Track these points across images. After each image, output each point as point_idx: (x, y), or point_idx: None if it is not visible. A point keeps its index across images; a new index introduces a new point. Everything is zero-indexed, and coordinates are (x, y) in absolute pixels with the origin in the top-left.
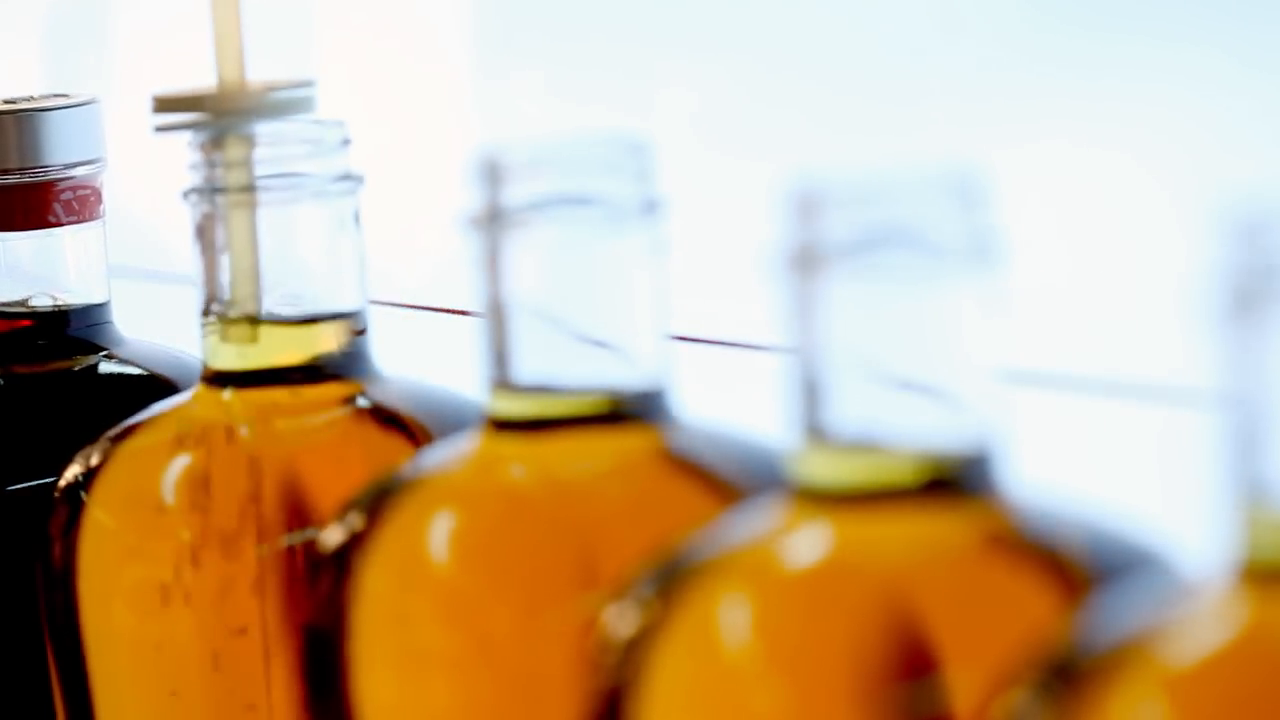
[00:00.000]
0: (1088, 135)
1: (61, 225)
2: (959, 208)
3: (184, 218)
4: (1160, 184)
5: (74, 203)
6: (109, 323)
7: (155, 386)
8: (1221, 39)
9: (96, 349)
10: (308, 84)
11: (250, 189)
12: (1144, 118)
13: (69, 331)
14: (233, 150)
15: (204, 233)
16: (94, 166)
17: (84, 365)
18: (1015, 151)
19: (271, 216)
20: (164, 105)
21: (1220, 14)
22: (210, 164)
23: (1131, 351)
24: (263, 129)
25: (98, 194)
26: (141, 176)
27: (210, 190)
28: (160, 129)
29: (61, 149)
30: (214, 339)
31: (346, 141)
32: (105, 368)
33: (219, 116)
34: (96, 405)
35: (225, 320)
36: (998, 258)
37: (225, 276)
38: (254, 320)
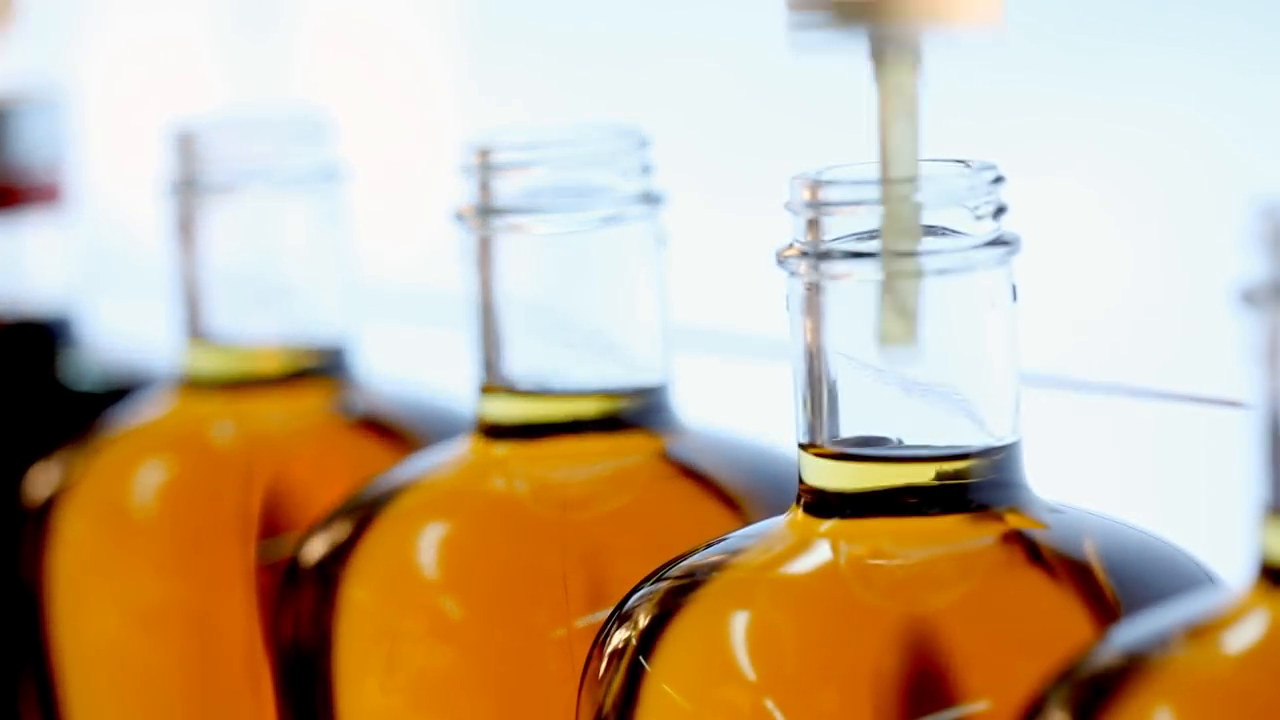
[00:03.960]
0: (1102, 138)
1: (22, 207)
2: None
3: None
4: (1182, 187)
5: (36, 197)
6: (77, 324)
7: (128, 393)
8: (1235, 45)
9: (67, 351)
10: None
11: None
12: (1158, 125)
13: (35, 333)
14: (894, 74)
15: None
16: (57, 162)
17: (52, 370)
18: (1022, 152)
19: (254, 212)
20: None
21: (1234, 20)
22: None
23: (1150, 356)
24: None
25: (62, 190)
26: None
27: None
28: (799, 30)
29: (24, 145)
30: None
31: (329, 134)
32: (74, 373)
33: (886, 24)
34: (65, 414)
35: None
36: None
37: None
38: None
